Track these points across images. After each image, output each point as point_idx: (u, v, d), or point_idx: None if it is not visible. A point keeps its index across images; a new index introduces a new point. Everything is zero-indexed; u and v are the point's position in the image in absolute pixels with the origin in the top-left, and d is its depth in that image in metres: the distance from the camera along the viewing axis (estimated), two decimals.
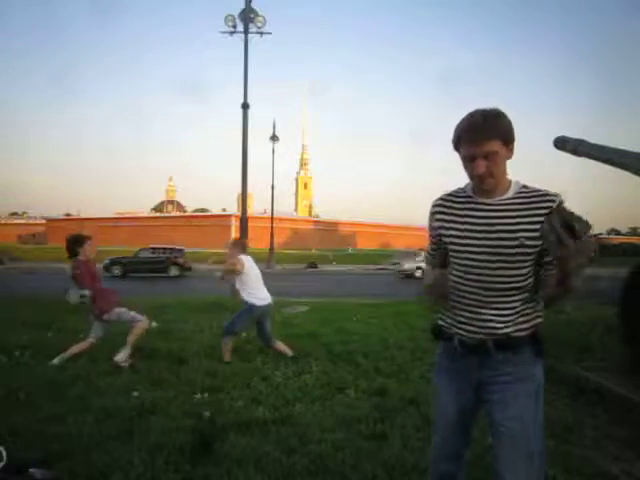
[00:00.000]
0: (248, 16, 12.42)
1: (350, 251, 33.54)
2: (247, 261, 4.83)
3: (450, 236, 1.58)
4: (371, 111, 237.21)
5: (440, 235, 1.63)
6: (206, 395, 3.77)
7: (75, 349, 4.64)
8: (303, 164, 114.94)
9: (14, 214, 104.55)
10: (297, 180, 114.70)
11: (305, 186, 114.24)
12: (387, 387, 3.97)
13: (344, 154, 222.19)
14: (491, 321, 1.53)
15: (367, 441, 2.92)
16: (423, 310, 7.90)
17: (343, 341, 5.79)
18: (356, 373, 4.46)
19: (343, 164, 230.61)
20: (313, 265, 27.47)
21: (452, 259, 1.58)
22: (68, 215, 77.76)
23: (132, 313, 4.81)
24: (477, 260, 1.51)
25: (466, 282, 1.55)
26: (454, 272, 1.57)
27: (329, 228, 68.16)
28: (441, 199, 1.64)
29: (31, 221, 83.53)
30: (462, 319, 1.58)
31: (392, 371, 4.53)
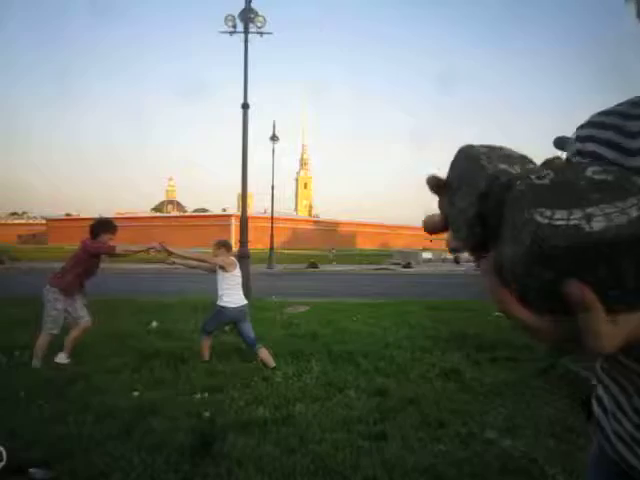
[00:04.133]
0: (248, 16, 12.41)
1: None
2: (234, 264, 4.82)
3: None
4: (371, 111, 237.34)
5: None
6: (206, 395, 3.77)
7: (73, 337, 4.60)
8: (303, 164, 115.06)
9: (14, 214, 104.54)
10: (297, 180, 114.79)
11: (305, 186, 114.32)
12: (387, 387, 3.97)
13: (344, 154, 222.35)
14: None
15: (367, 441, 2.92)
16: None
17: (343, 341, 5.79)
18: (356, 373, 4.45)
19: (343, 164, 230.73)
20: (314, 265, 27.49)
21: None
22: (68, 215, 77.77)
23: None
24: None
25: None
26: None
27: (329, 228, 68.17)
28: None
29: (31, 221, 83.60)
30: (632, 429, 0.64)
31: (392, 371, 4.52)
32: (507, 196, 0.35)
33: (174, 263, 4.94)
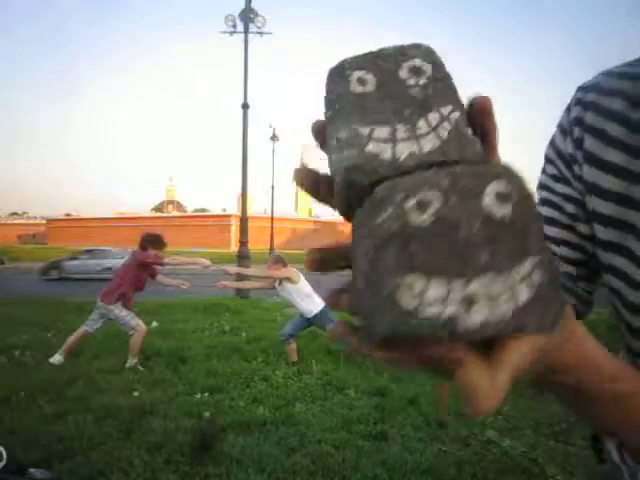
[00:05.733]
0: (248, 16, 12.42)
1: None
2: (298, 273, 4.83)
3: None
4: None
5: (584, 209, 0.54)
6: (206, 395, 3.77)
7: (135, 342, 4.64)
8: (303, 164, 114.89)
9: (14, 214, 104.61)
10: None
11: None
12: (387, 387, 3.97)
13: None
14: None
15: (367, 441, 2.92)
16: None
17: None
18: (356, 373, 4.45)
19: None
20: None
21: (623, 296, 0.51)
22: (68, 215, 77.79)
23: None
24: None
25: None
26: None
27: (329, 228, 68.19)
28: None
29: (31, 221, 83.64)
30: None
31: (392, 371, 4.52)
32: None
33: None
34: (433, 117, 0.30)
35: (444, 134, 0.29)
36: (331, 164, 0.30)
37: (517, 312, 0.26)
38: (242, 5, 12.55)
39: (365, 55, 0.33)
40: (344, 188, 0.29)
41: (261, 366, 4.63)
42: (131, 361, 4.55)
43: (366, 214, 0.28)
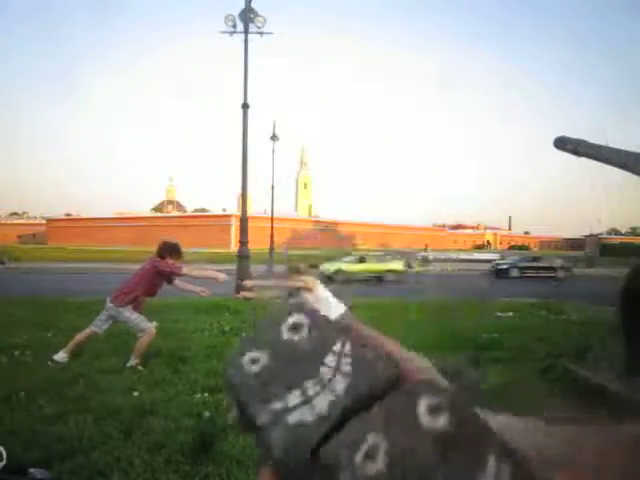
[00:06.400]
0: (248, 16, 12.42)
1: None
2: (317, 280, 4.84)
3: None
4: (372, 111, 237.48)
5: None
6: (206, 395, 3.76)
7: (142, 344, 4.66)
8: (303, 164, 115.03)
9: (14, 214, 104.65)
10: (297, 180, 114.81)
11: (305, 186, 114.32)
12: None
13: (344, 154, 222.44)
14: None
15: None
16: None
17: None
18: None
19: (343, 164, 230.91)
20: (314, 265, 27.50)
21: None
22: (68, 215, 77.84)
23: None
24: None
25: None
26: None
27: (329, 228, 68.20)
28: None
29: (31, 221, 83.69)
30: None
31: None
32: None
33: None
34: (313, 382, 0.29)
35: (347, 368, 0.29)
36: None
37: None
38: (242, 5, 12.56)
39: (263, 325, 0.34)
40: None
41: None
42: (133, 361, 4.55)
43: None
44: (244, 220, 11.99)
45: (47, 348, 4.97)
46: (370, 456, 0.24)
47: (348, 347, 0.29)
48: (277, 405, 0.28)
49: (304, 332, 0.31)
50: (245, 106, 12.06)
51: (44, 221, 72.85)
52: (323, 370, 0.29)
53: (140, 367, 4.51)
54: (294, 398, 0.28)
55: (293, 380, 0.29)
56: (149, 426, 3.08)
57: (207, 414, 3.31)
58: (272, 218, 26.84)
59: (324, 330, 0.31)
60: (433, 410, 0.25)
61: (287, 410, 0.28)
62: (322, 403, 0.27)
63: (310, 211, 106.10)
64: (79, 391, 3.77)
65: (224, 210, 66.25)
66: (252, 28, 12.57)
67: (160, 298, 9.64)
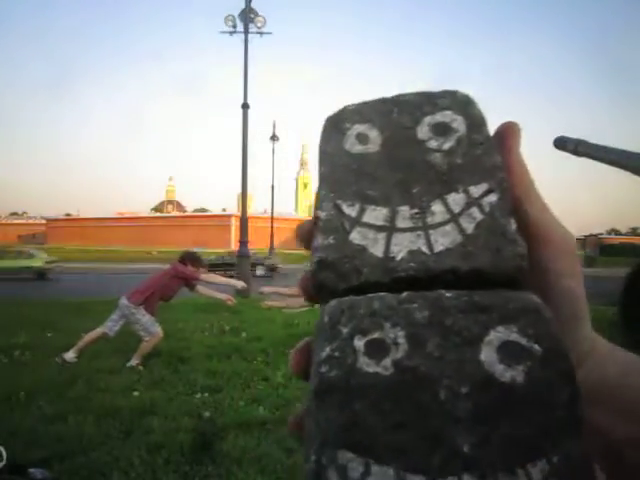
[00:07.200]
0: (248, 16, 12.42)
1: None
2: None
3: None
4: None
5: None
6: (206, 395, 3.77)
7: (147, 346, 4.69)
8: (303, 164, 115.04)
9: (14, 214, 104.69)
10: (297, 180, 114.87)
11: (305, 186, 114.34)
12: None
13: None
14: None
15: None
16: None
17: None
18: None
19: None
20: None
21: None
22: (68, 215, 77.86)
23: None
24: None
25: None
26: None
27: None
28: None
29: (31, 221, 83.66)
30: None
31: None
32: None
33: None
34: (456, 199, 0.21)
35: (469, 227, 0.20)
36: (312, 249, 0.22)
37: None
38: (242, 5, 12.56)
39: (375, 102, 0.25)
40: (313, 288, 0.21)
41: (261, 366, 4.63)
42: (133, 361, 4.56)
43: (317, 332, 0.20)
44: (244, 220, 11.99)
45: (47, 348, 4.97)
46: (375, 352, 0.18)
47: (492, 199, 0.21)
48: (349, 208, 0.21)
49: (450, 139, 0.23)
50: (245, 106, 12.06)
51: (44, 221, 72.85)
52: (436, 207, 0.21)
53: (140, 367, 4.52)
54: (374, 214, 0.21)
55: (390, 193, 0.21)
56: (149, 426, 3.08)
57: (207, 414, 3.31)
58: (272, 218, 26.86)
59: (479, 145, 0.22)
60: (509, 350, 0.18)
61: (356, 221, 0.21)
62: (401, 244, 0.20)
63: (310, 211, 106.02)
64: (79, 391, 3.77)
65: (224, 210, 66.25)
66: (252, 28, 12.58)
67: None
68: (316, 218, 0.22)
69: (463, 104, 0.23)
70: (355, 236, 0.21)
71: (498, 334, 0.18)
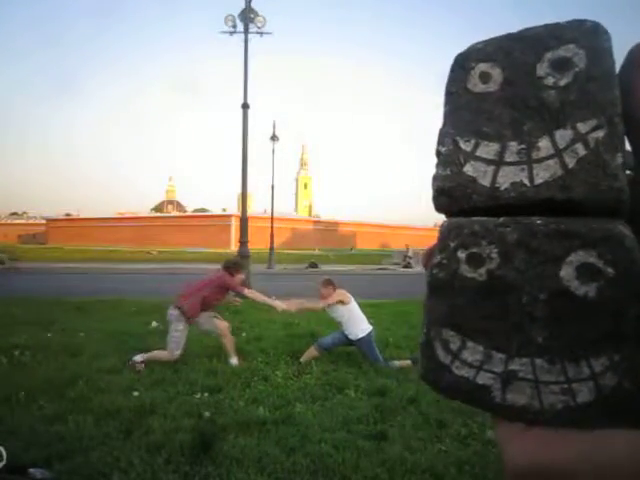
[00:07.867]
0: (248, 16, 12.41)
1: (352, 252, 33.32)
2: (348, 294, 4.94)
3: None
4: (371, 110, 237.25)
5: None
6: (206, 395, 3.77)
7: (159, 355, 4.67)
8: (303, 164, 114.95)
9: (14, 214, 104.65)
10: (297, 180, 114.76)
11: (305, 186, 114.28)
12: (387, 387, 3.96)
13: (344, 154, 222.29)
14: None
15: (367, 441, 2.92)
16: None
17: None
18: (356, 373, 4.45)
19: (343, 164, 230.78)
20: (314, 265, 27.46)
21: None
22: (68, 215, 77.79)
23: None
24: None
25: None
26: None
27: (329, 228, 68.18)
28: None
29: (31, 221, 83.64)
30: None
31: (392, 371, 4.52)
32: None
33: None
34: (563, 135, 0.23)
35: (571, 162, 0.22)
36: (432, 178, 0.27)
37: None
38: (242, 5, 12.56)
39: (501, 38, 0.25)
40: (436, 209, 0.27)
41: (261, 366, 4.62)
42: (233, 360, 4.70)
43: (437, 244, 0.26)
44: (244, 220, 11.98)
45: (47, 348, 4.97)
46: (473, 262, 0.24)
47: (598, 135, 0.22)
48: (466, 143, 0.25)
49: (567, 75, 0.23)
50: (245, 106, 12.05)
51: (44, 221, 72.79)
52: (542, 142, 0.23)
53: (141, 368, 4.50)
54: (487, 149, 0.24)
55: (503, 129, 0.24)
56: (149, 426, 3.08)
57: (207, 414, 3.31)
58: (272, 218, 26.84)
59: (597, 79, 0.23)
60: (585, 269, 0.22)
61: (471, 155, 0.25)
62: (506, 176, 0.23)
63: (310, 211, 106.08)
64: (79, 391, 3.77)
65: (224, 210, 66.21)
66: (252, 28, 12.57)
67: (160, 298, 9.65)
68: (437, 152, 0.26)
69: (589, 35, 0.23)
70: (468, 168, 0.25)
71: (578, 257, 0.21)
